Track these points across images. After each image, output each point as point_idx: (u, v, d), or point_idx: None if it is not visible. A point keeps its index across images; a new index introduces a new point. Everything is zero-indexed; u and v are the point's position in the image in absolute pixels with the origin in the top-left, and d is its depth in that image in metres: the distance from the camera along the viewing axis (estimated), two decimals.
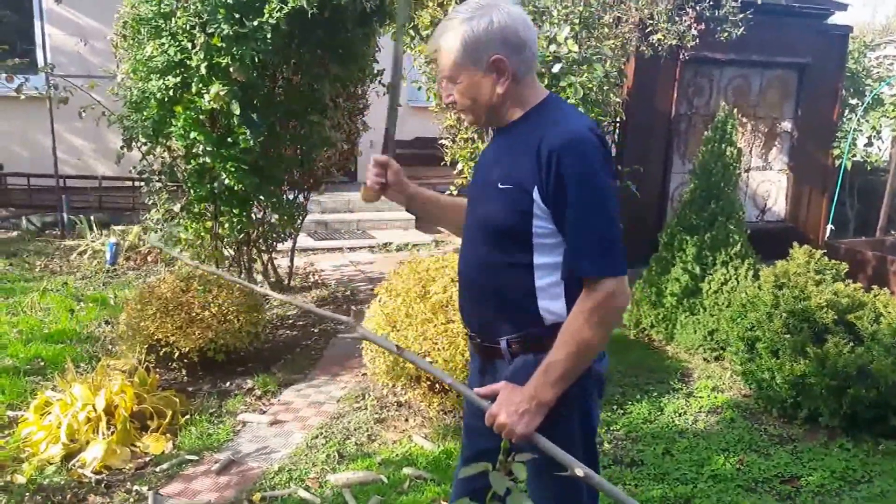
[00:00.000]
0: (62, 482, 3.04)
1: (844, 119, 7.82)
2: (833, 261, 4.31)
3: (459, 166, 5.08)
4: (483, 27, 1.65)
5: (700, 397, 4.08)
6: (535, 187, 1.62)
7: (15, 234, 7.60)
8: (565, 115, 1.69)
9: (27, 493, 2.93)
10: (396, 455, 3.36)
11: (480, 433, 1.72)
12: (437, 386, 3.56)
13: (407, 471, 3.19)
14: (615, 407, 3.90)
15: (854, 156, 7.57)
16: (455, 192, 5.19)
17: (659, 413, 3.88)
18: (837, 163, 7.28)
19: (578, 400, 1.74)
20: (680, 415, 3.88)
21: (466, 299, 1.87)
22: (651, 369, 4.45)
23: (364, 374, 4.18)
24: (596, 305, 1.59)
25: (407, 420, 3.73)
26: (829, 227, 6.97)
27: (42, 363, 4.22)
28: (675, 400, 4.03)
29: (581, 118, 1.70)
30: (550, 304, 1.69)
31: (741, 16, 5.74)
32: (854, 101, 8.17)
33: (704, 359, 4.64)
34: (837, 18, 7.35)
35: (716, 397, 4.07)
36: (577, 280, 1.63)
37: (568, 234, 1.62)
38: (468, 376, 1.98)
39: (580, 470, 1.41)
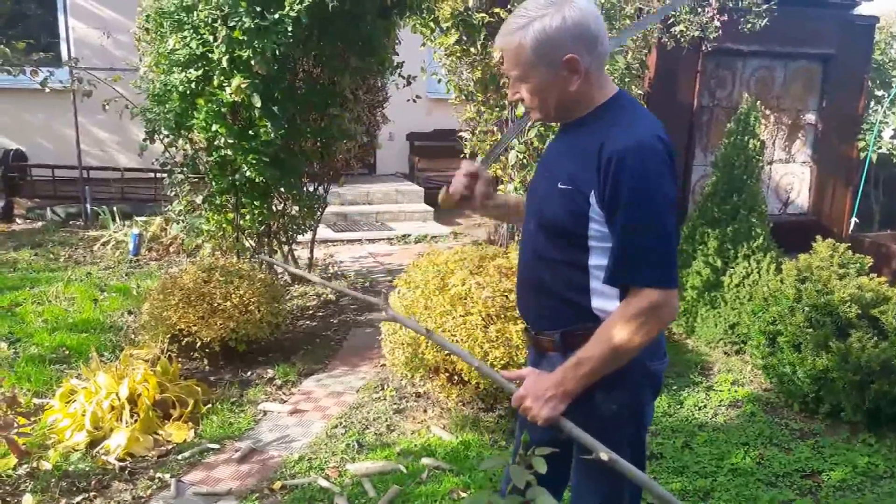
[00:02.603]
0: (87, 469, 3.09)
1: (870, 111, 7.69)
2: (857, 254, 4.26)
3: (479, 158, 5.07)
4: (556, 25, 1.59)
5: (720, 391, 4.06)
6: (593, 191, 1.60)
7: (40, 224, 7.71)
8: (632, 118, 1.65)
9: (53, 479, 2.99)
10: (415, 445, 3.38)
11: (533, 426, 1.73)
12: (456, 377, 3.57)
13: (425, 461, 3.20)
14: None
15: (880, 148, 7.45)
16: None
17: (679, 406, 3.86)
18: (862, 155, 7.18)
19: (632, 399, 1.75)
20: (700, 408, 3.86)
21: (524, 292, 1.87)
22: (671, 362, 4.40)
23: (383, 365, 4.20)
24: (638, 313, 1.57)
25: (426, 411, 3.75)
26: (854, 220, 6.88)
27: (67, 352, 4.29)
28: (695, 393, 4.01)
29: (648, 123, 1.64)
30: (605, 303, 1.68)
31: (765, 6, 5.66)
32: (880, 93, 8.04)
33: (725, 352, 4.61)
34: (863, 8, 7.23)
35: (736, 391, 4.05)
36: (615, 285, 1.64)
37: (619, 240, 1.59)
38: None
39: (605, 455, 1.43)
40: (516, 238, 4.86)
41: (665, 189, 1.57)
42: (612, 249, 1.61)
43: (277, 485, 3.05)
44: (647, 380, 1.78)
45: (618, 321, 1.59)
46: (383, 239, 7.72)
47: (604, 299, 1.68)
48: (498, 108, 4.94)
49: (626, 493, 1.80)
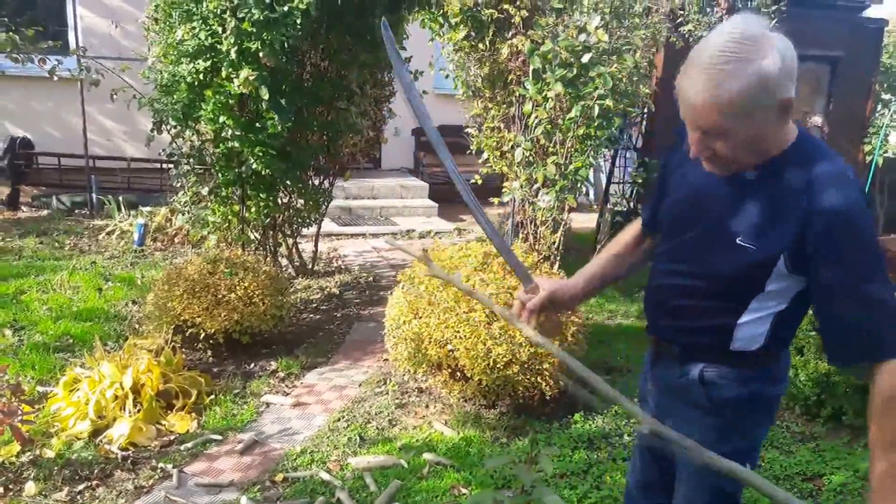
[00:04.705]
0: (90, 458, 3.10)
1: (877, 114, 7.67)
2: None
3: (485, 155, 5.07)
4: (778, 67, 1.36)
5: None
6: (786, 251, 1.46)
7: (45, 212, 7.72)
8: (830, 165, 1.47)
9: (56, 468, 3.00)
10: (417, 441, 3.38)
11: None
12: (459, 373, 3.58)
13: (427, 456, 3.21)
14: (636, 400, 3.89)
15: (886, 152, 7.44)
16: (480, 181, 5.19)
17: None
18: (868, 159, 7.16)
19: (763, 432, 1.73)
20: None
21: (655, 305, 1.77)
22: None
23: (386, 360, 4.21)
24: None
25: (427, 406, 3.76)
26: None
27: (71, 340, 4.30)
28: None
29: (848, 172, 1.47)
30: (744, 345, 1.60)
31: (774, 7, 5.65)
32: (887, 97, 8.01)
33: None
34: (873, 11, 7.21)
35: None
36: (782, 322, 1.56)
37: (849, 313, 1.43)
38: (644, 367, 1.94)
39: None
40: (520, 236, 4.86)
41: (877, 240, 1.46)
42: (843, 323, 1.45)
43: (279, 477, 3.06)
44: (772, 411, 1.73)
45: (893, 407, 1.39)
46: (387, 233, 7.72)
47: (745, 341, 1.59)
48: (505, 105, 4.94)
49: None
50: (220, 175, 4.70)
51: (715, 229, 1.57)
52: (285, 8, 4.10)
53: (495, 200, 5.01)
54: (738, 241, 1.51)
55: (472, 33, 4.79)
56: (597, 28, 4.08)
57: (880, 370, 1.41)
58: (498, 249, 1.82)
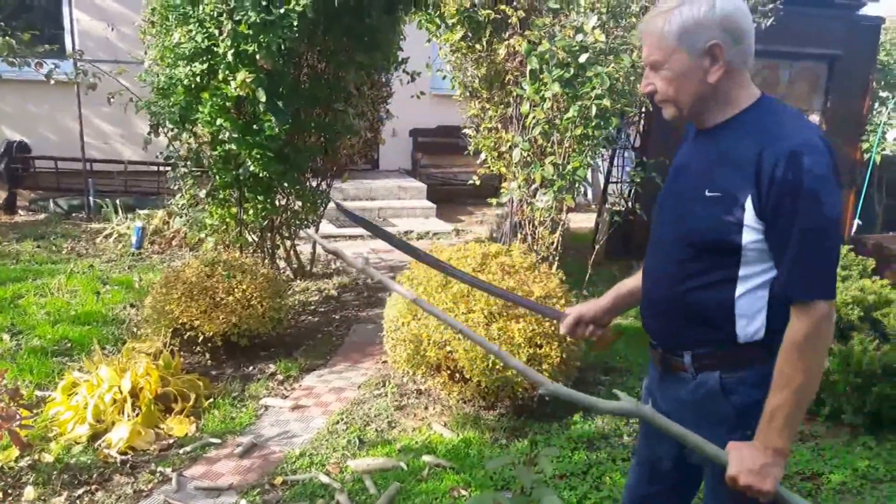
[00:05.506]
0: (89, 462, 3.10)
1: (874, 112, 7.68)
2: (860, 256, 4.25)
3: (482, 156, 5.07)
4: (704, 11, 1.55)
5: None
6: (749, 197, 1.52)
7: (43, 216, 7.72)
8: (790, 120, 1.56)
9: (55, 472, 3.00)
10: (416, 442, 3.38)
11: (656, 441, 1.71)
12: (458, 375, 3.57)
13: (426, 458, 3.21)
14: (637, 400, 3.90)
15: (883, 150, 7.45)
16: (478, 182, 5.18)
17: None
18: (866, 157, 7.17)
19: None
20: None
21: (652, 310, 1.79)
22: None
23: (384, 362, 4.20)
24: (813, 332, 1.49)
25: (427, 408, 3.75)
26: (857, 221, 6.87)
27: (69, 344, 4.29)
28: None
29: (807, 125, 1.55)
30: (748, 323, 1.60)
31: (771, 6, 5.64)
32: (884, 94, 8.03)
33: None
34: (869, 9, 7.21)
35: None
36: (782, 301, 1.56)
37: (786, 253, 1.51)
38: (646, 383, 1.92)
39: None
40: (519, 236, 4.86)
41: (834, 193, 1.50)
42: (784, 260, 1.52)
43: (278, 480, 3.05)
44: None
45: (793, 352, 1.51)
46: None
47: (748, 318, 1.61)
48: (502, 106, 4.93)
49: None
50: (217, 177, 4.70)
51: (689, 192, 1.66)
52: (282, 10, 4.10)
53: (493, 201, 5.00)
54: (707, 194, 1.60)
55: (469, 34, 4.78)
56: (594, 28, 4.07)
57: (793, 311, 1.52)
58: (523, 306, 2.12)
